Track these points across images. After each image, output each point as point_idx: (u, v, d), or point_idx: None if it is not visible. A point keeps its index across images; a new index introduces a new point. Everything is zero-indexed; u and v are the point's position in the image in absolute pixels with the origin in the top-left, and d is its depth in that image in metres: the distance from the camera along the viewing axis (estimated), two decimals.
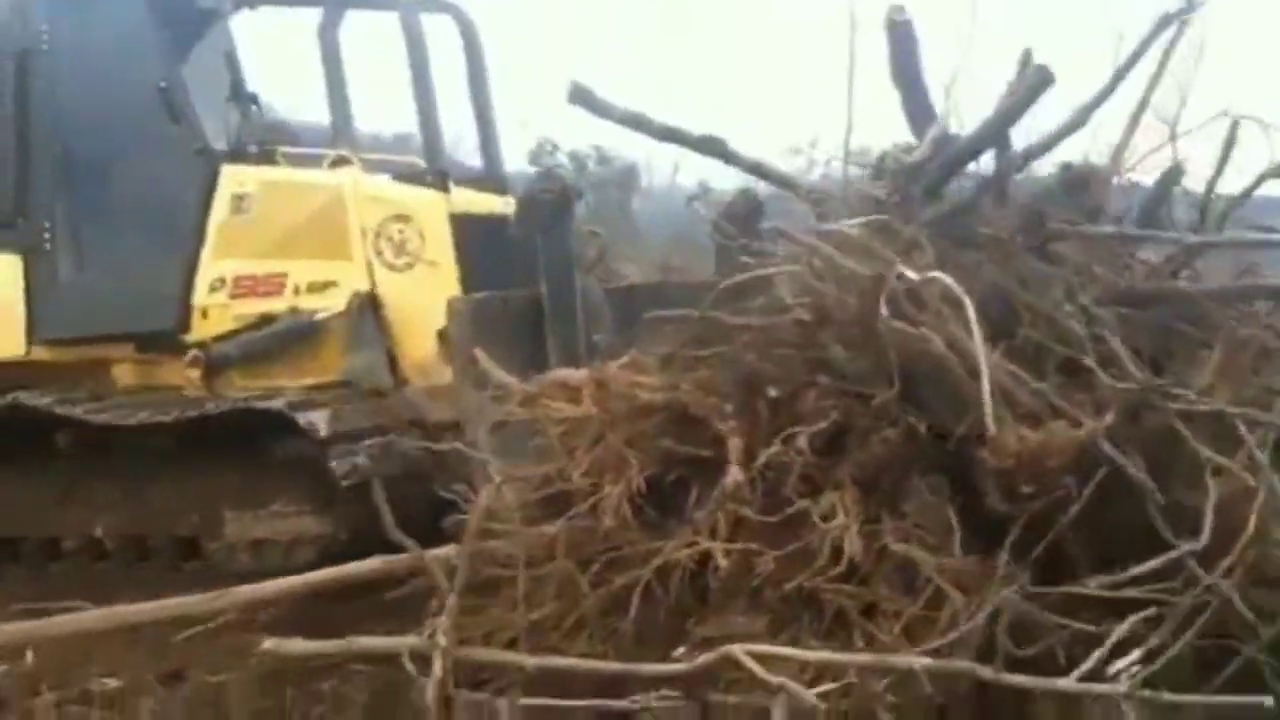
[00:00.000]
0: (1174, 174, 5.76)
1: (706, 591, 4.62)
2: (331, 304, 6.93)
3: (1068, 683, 4.04)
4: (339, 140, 7.89)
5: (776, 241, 6.00)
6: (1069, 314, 5.01)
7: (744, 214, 7.13)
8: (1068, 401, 4.64)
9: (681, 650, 4.43)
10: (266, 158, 7.36)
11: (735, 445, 4.77)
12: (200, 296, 7.13)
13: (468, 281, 7.05)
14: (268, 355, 7.04)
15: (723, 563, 4.52)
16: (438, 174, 7.40)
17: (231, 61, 8.21)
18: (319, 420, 6.26)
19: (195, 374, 6.95)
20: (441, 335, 6.62)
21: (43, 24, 7.39)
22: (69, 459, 6.83)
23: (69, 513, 6.92)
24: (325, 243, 7.05)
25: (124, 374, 7.42)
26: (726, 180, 7.33)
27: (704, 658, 4.15)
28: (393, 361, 6.93)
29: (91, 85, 7.37)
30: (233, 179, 7.14)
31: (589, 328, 6.60)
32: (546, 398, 5.16)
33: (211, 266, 7.13)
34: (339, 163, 7.38)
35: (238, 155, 7.33)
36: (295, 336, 7.01)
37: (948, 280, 4.61)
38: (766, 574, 4.49)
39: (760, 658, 4.05)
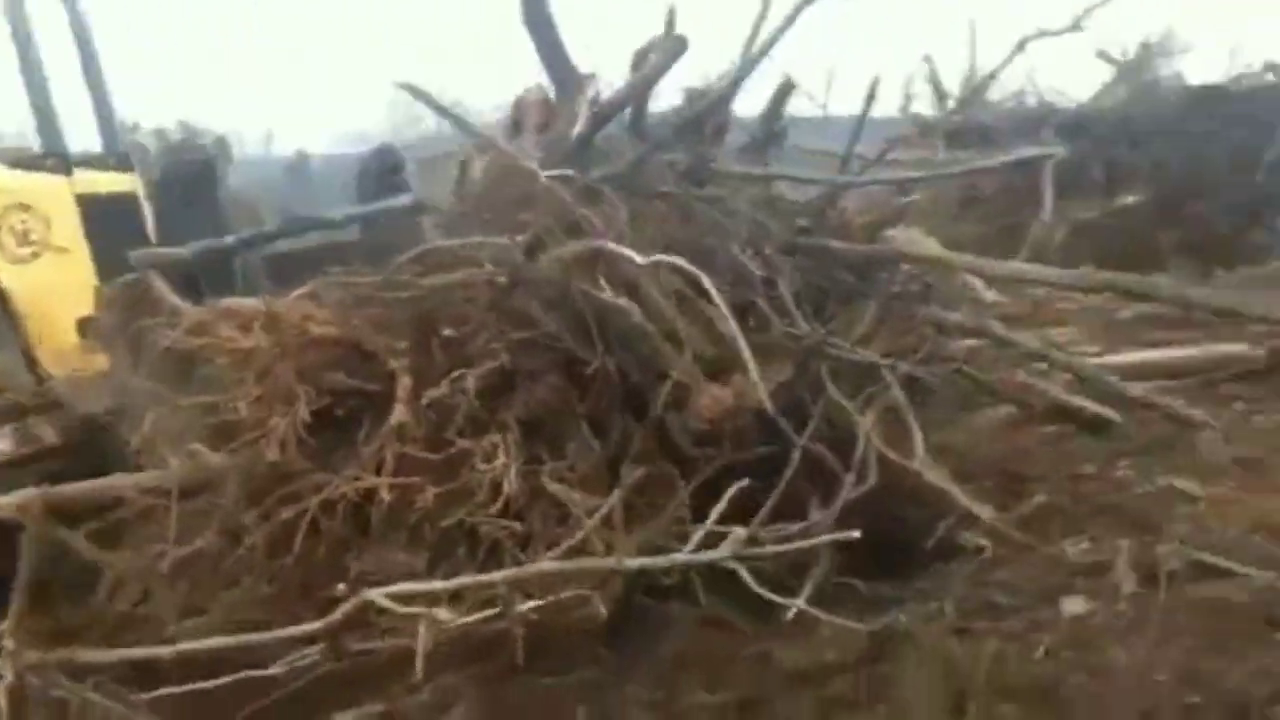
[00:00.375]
0: (786, 88, 6.14)
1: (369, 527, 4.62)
2: None
3: (684, 555, 4.10)
4: None
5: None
6: (746, 263, 5.22)
7: (378, 171, 7.11)
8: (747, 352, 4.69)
9: (342, 586, 4.40)
10: None
11: (405, 383, 4.79)
12: None
13: (102, 263, 6.59)
14: None
15: (385, 497, 4.53)
16: (58, 156, 6.85)
17: None
18: None
19: None
20: (82, 324, 6.22)
21: None
22: None
23: None
24: None
25: None
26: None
27: (342, 608, 3.99)
28: (30, 358, 6.36)
29: None
30: None
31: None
32: (217, 325, 4.97)
33: None
34: None
35: None
36: None
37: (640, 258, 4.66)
38: (426, 509, 4.54)
39: (398, 597, 3.91)
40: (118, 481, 4.80)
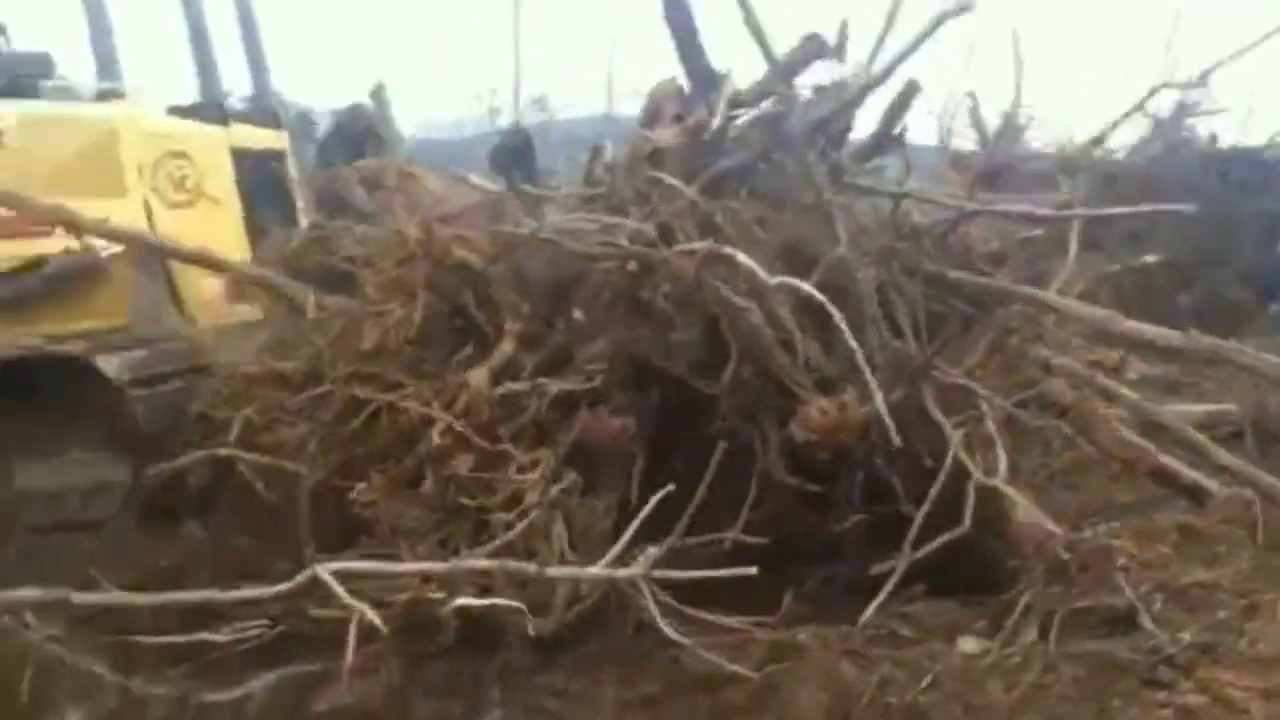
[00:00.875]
0: (910, 91, 6.14)
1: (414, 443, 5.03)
2: (104, 243, 6.61)
3: (596, 570, 4.40)
4: (104, 76, 7.55)
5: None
6: (868, 280, 5.39)
7: (513, 149, 7.36)
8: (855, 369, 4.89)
9: (361, 487, 4.91)
10: (27, 90, 6.96)
11: (504, 350, 5.20)
12: None
13: (247, 217, 6.93)
14: (40, 298, 6.64)
15: (435, 439, 4.94)
16: (216, 108, 7.20)
17: None
18: (116, 364, 6.07)
19: None
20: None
21: None
22: None
23: None
24: (98, 180, 6.72)
25: None
26: None
27: (292, 581, 4.24)
28: (177, 301, 6.72)
29: None
30: None
31: None
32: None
33: None
34: (107, 96, 7.05)
35: None
36: (70, 278, 6.65)
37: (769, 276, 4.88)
38: (454, 476, 4.93)
39: (344, 575, 4.17)
40: None
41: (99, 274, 6.67)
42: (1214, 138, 14.02)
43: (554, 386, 5.06)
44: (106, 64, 7.98)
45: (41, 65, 7.31)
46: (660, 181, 5.61)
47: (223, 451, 5.42)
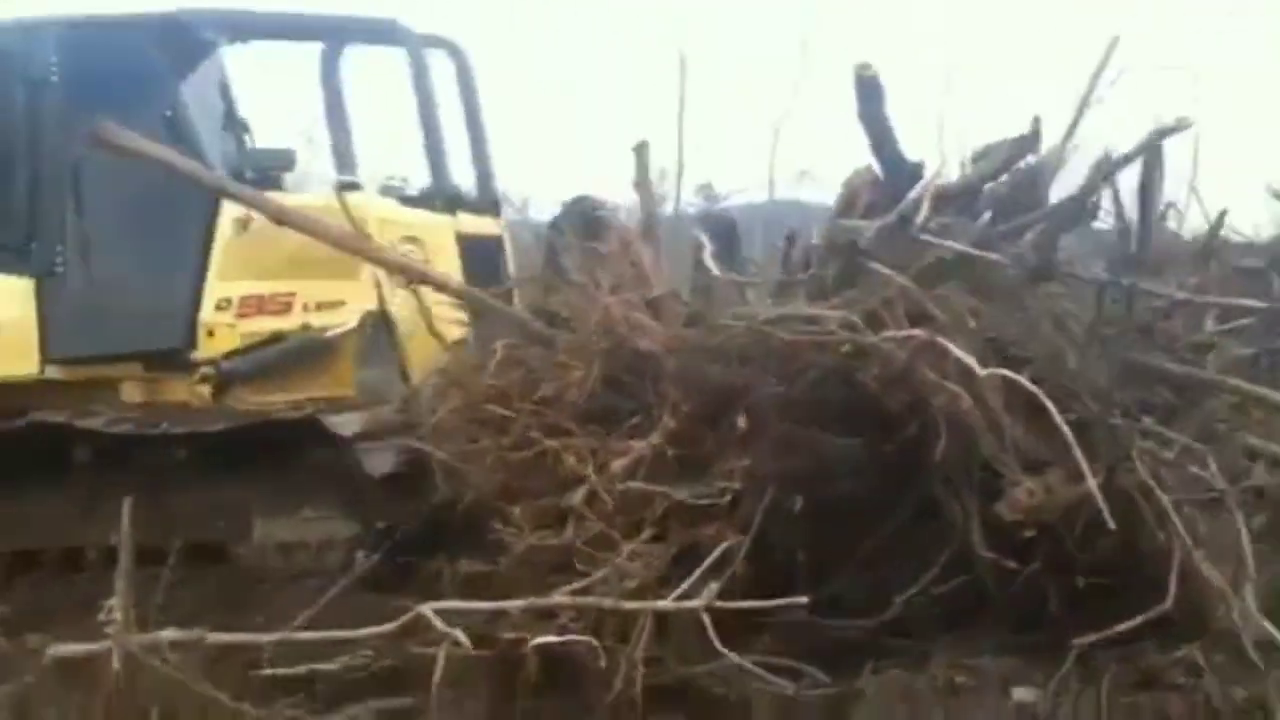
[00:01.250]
0: (1105, 164, 6.10)
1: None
2: (340, 321, 7.16)
3: (665, 603, 4.75)
4: (343, 168, 8.15)
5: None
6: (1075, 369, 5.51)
7: (718, 234, 7.60)
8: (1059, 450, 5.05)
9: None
10: (271, 183, 7.56)
11: (639, 446, 5.42)
12: (207, 315, 7.31)
13: None
14: (278, 371, 7.25)
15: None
16: (448, 197, 7.73)
17: (224, 91, 8.35)
18: (343, 422, 6.60)
19: (205, 389, 7.15)
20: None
21: (51, 55, 7.54)
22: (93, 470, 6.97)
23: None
24: (334, 264, 7.15)
25: (131, 391, 7.54)
26: None
27: (401, 619, 4.70)
28: (404, 376, 7.19)
29: (100, 114, 7.48)
30: (234, 204, 7.27)
31: None
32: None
33: (217, 287, 7.32)
34: (347, 187, 7.61)
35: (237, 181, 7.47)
36: (307, 352, 7.23)
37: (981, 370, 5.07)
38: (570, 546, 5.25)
39: (445, 614, 4.64)
40: None
41: (331, 349, 7.22)
42: None
43: (681, 494, 5.28)
44: (344, 157, 8.54)
45: (284, 160, 7.92)
46: (867, 269, 5.83)
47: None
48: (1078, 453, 4.82)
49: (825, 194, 7.74)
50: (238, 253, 7.33)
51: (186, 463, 6.92)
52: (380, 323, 7.19)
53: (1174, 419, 5.75)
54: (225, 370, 7.16)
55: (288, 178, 7.86)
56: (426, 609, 4.59)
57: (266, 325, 7.30)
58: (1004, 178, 6.21)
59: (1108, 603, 5.08)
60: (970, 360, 5.05)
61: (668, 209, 8.24)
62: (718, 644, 4.65)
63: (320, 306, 7.28)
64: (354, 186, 7.65)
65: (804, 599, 4.85)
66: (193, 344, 7.30)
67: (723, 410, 5.46)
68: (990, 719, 4.63)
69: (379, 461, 6.52)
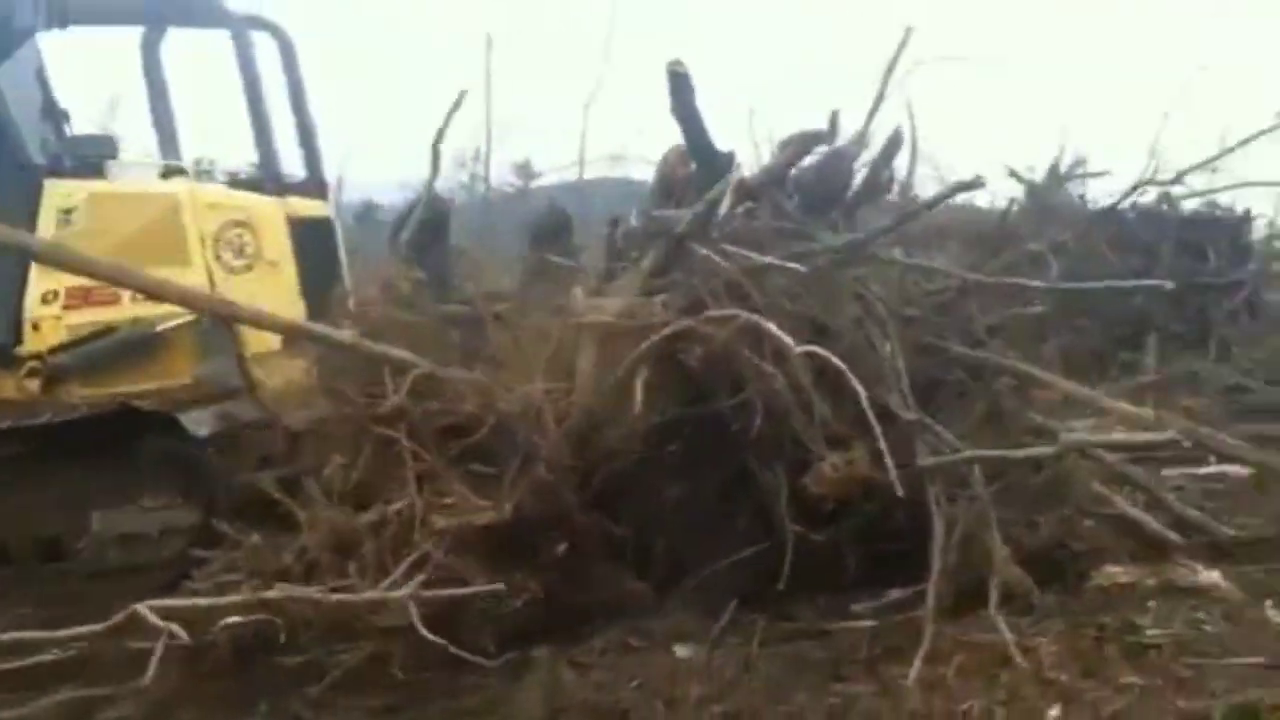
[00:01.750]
0: (895, 140, 6.71)
1: None
2: (171, 311, 7.11)
3: (371, 594, 5.06)
4: (166, 153, 8.09)
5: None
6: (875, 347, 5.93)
7: (553, 228, 7.78)
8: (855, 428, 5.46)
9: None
10: (93, 170, 7.47)
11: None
12: (32, 309, 7.17)
13: (301, 280, 7.46)
14: (109, 364, 7.18)
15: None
16: (275, 180, 7.74)
17: (41, 79, 8.20)
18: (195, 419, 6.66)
19: (34, 384, 7.05)
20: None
21: None
22: None
23: None
24: (162, 251, 7.20)
25: None
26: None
27: (114, 619, 4.78)
28: (242, 365, 7.21)
29: None
30: (56, 193, 7.21)
31: None
32: None
33: (42, 279, 7.15)
34: (171, 173, 7.58)
35: (56, 170, 7.40)
36: (140, 344, 7.19)
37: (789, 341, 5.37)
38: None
39: (163, 612, 4.73)
40: None
41: (163, 341, 7.20)
42: (1082, 198, 14.65)
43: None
44: (168, 140, 8.45)
45: (106, 146, 7.83)
46: (685, 254, 6.08)
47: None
48: (877, 430, 5.17)
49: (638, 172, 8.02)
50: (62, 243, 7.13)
51: (19, 458, 6.83)
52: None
53: (965, 396, 6.26)
54: (54, 365, 7.07)
55: (111, 164, 7.69)
56: (142, 607, 4.70)
57: (95, 317, 7.21)
58: (810, 165, 6.56)
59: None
60: (786, 339, 5.36)
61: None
62: (421, 630, 4.86)
63: (150, 297, 7.15)
64: (179, 171, 7.61)
65: (500, 585, 5.13)
66: (18, 338, 7.17)
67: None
68: (654, 674, 4.98)
69: (199, 422, 6.61)
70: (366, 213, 19.97)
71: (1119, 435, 6.17)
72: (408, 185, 13.89)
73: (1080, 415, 6.72)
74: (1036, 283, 7.03)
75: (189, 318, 7.08)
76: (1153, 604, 5.53)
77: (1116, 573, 5.76)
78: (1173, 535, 6.23)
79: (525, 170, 20.46)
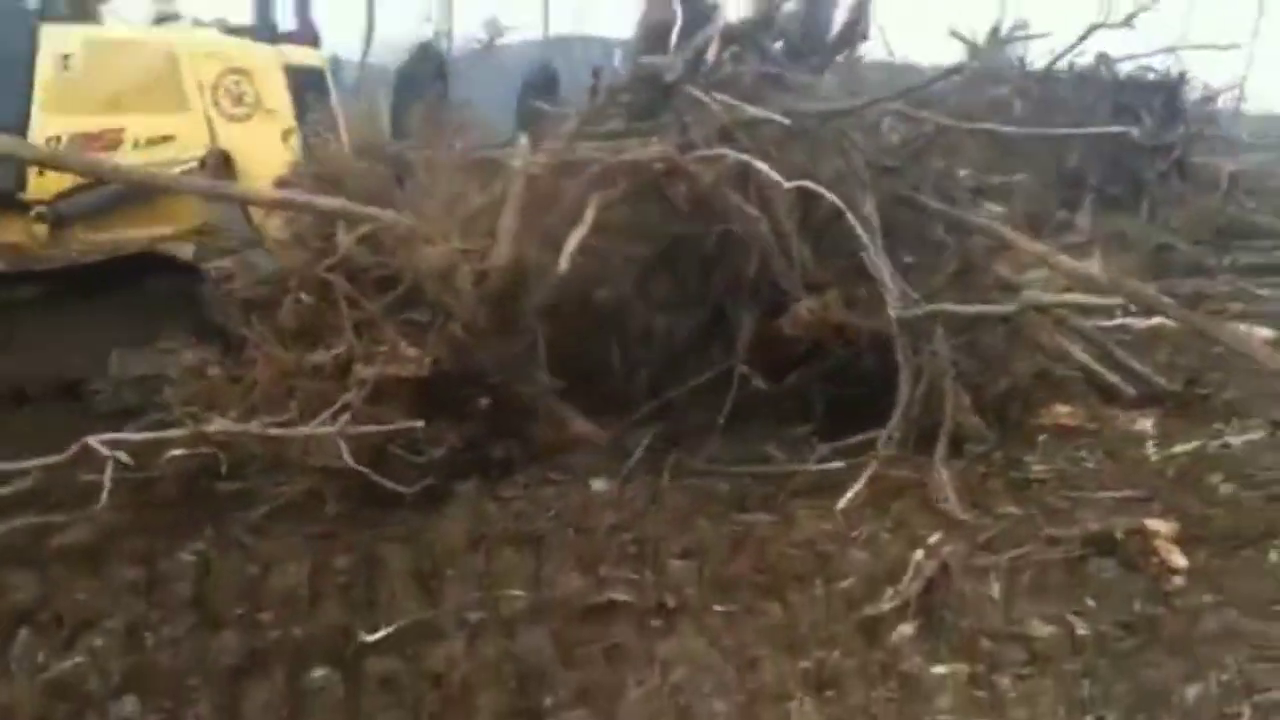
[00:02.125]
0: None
1: None
2: (172, 156, 7.23)
3: (306, 429, 5.31)
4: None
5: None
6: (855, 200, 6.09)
7: (541, 86, 7.89)
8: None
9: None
10: (89, 15, 7.52)
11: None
12: None
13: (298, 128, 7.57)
14: (114, 209, 7.27)
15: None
16: (269, 28, 7.82)
17: None
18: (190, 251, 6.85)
19: (41, 229, 7.17)
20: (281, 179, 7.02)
21: None
22: None
23: None
24: (160, 97, 7.26)
25: None
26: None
27: (68, 452, 5.09)
28: (244, 211, 7.35)
29: None
30: (54, 38, 7.22)
31: None
32: None
33: (44, 124, 7.20)
34: (165, 18, 7.62)
35: (50, 14, 7.37)
36: (143, 190, 7.27)
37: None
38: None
39: (113, 444, 5.05)
40: None
41: None
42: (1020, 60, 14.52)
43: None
44: None
45: None
46: (675, 98, 6.24)
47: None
48: (884, 272, 5.51)
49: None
50: (61, 89, 7.22)
51: (35, 302, 6.99)
52: (222, 159, 7.28)
53: (941, 251, 6.56)
54: (61, 210, 7.18)
55: (103, 9, 7.78)
56: (92, 440, 5.01)
57: None
58: (793, 11, 6.78)
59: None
60: (775, 175, 5.59)
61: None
62: (350, 460, 5.16)
63: (150, 141, 7.29)
64: (174, 17, 7.65)
65: (419, 423, 5.40)
66: (22, 185, 7.24)
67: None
68: (570, 506, 5.36)
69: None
70: (333, 68, 19.69)
71: (1077, 295, 6.48)
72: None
73: (1032, 269, 7.01)
74: (1008, 128, 7.21)
75: (192, 165, 7.21)
76: (1042, 439, 6.03)
77: (1063, 412, 6.21)
78: (1121, 384, 6.63)
79: (495, 26, 20.36)
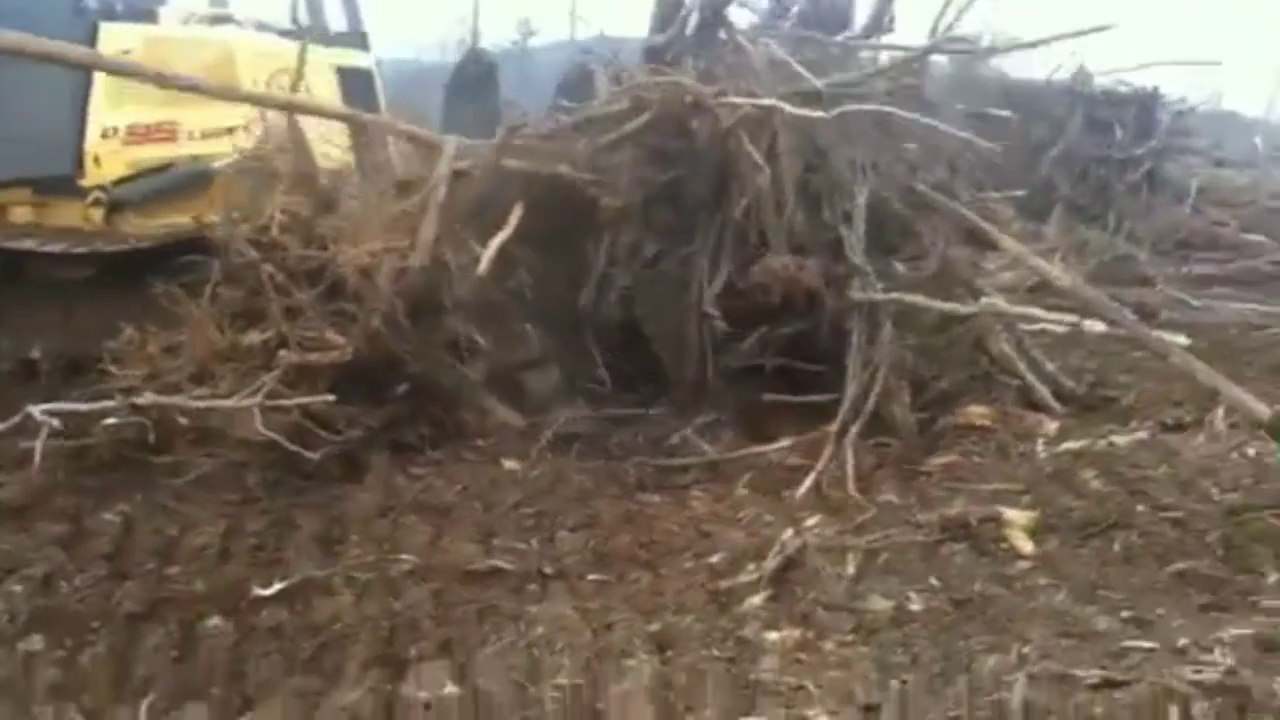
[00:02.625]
0: None
1: None
2: (227, 149, 7.43)
3: (229, 402, 5.62)
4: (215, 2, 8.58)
5: None
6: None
7: (473, 77, 8.05)
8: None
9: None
10: (145, 16, 7.93)
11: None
12: (93, 144, 7.64)
13: None
14: (167, 197, 7.66)
15: None
16: (322, 31, 8.23)
17: None
18: None
19: (98, 214, 7.58)
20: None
21: None
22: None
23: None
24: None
25: (21, 216, 7.88)
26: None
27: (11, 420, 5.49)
28: None
29: None
30: (113, 36, 7.62)
31: None
32: None
33: (102, 116, 7.63)
34: (220, 20, 8.06)
35: (108, 13, 7.81)
36: (195, 180, 7.62)
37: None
38: None
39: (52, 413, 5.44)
40: None
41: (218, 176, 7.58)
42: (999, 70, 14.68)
43: None
44: None
45: None
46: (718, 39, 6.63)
47: None
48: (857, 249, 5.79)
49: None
50: (119, 82, 7.43)
51: (91, 282, 7.29)
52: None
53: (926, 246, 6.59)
54: (117, 195, 7.57)
55: (161, 11, 8.14)
56: (33, 408, 5.39)
57: (154, 153, 7.69)
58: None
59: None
60: (807, 111, 5.92)
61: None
62: (262, 430, 5.50)
63: (205, 135, 7.65)
64: (227, 19, 8.08)
65: (331, 396, 5.72)
66: (80, 171, 7.66)
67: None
68: (478, 481, 5.67)
69: None
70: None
71: (1033, 309, 6.48)
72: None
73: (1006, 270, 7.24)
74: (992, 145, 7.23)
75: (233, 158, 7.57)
76: (947, 436, 6.16)
77: (977, 412, 6.28)
78: (1040, 388, 6.62)
79: (526, 27, 21.00)
